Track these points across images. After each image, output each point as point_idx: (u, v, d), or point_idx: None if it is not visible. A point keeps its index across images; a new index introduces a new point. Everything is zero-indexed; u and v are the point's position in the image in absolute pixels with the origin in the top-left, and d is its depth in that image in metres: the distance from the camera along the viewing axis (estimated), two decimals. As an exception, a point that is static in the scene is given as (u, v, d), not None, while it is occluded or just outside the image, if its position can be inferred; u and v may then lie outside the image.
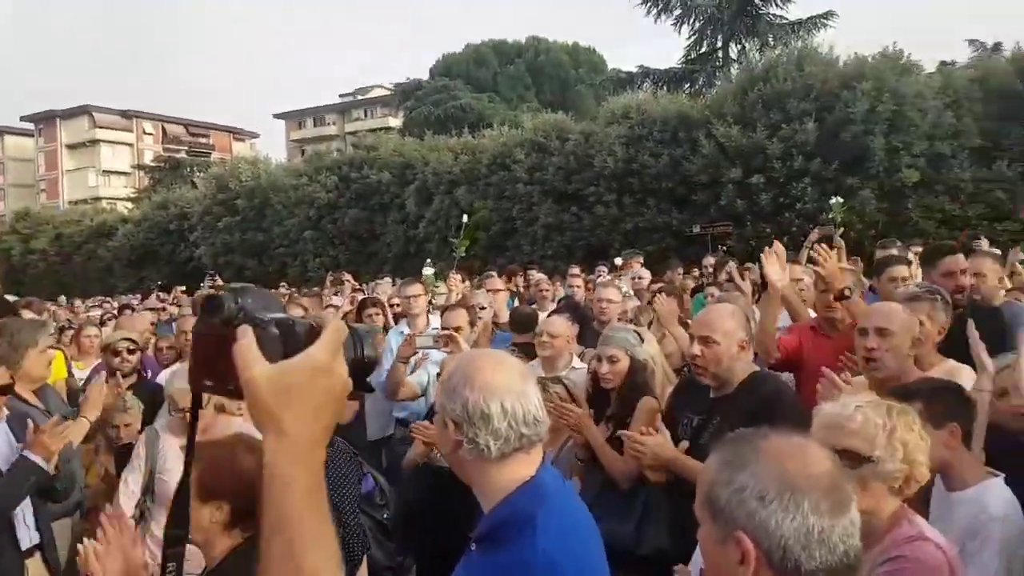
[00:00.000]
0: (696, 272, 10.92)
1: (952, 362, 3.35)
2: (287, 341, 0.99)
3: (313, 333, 0.99)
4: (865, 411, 2.01)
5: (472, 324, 5.45)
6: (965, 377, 3.06)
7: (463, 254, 11.72)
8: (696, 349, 3.27)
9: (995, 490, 2.39)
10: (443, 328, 5.08)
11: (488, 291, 7.11)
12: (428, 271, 9.07)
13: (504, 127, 27.53)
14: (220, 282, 10.97)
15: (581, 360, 4.86)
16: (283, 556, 0.91)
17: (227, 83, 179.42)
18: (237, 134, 79.11)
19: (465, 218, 13.42)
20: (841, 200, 12.43)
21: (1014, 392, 2.81)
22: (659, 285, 7.52)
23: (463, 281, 8.77)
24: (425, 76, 49.06)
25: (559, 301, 7.98)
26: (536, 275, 10.75)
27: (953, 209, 18.06)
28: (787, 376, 4.14)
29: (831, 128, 18.74)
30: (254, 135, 79.00)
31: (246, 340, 0.96)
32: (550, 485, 1.77)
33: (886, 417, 1.99)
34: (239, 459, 2.19)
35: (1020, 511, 2.37)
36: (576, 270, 11.05)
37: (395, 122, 54.84)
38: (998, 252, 7.20)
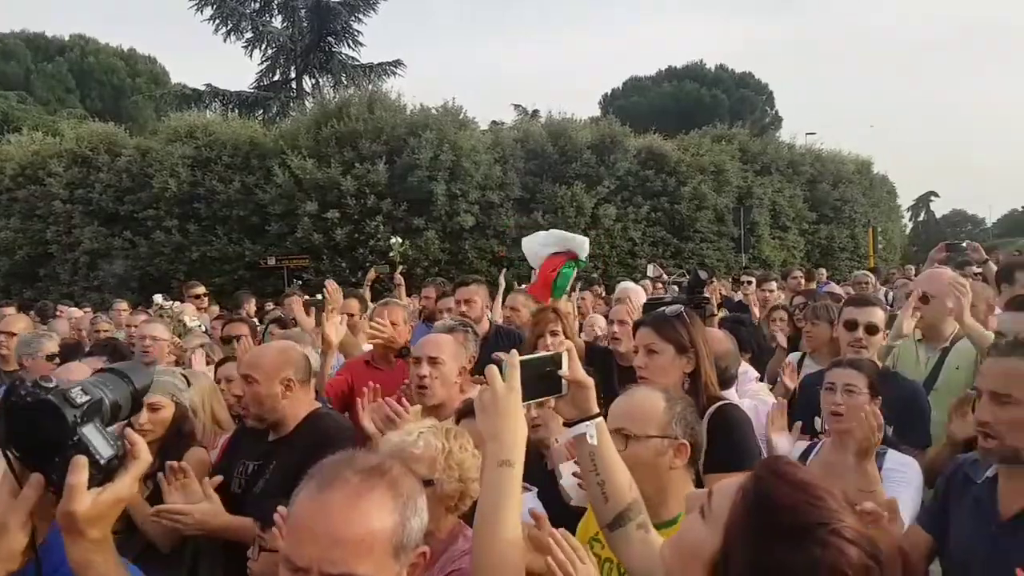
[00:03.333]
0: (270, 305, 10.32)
1: None
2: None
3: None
4: (427, 436, 2.12)
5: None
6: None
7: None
8: (238, 389, 3.16)
9: None
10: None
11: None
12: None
13: (38, 133, 23.25)
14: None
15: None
16: None
17: None
18: None
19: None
20: (401, 240, 13.03)
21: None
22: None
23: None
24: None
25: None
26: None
27: (502, 250, 20.41)
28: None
29: (400, 171, 19.75)
30: None
31: (78, 480, 1.20)
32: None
33: (444, 440, 2.12)
34: None
35: None
36: (123, 305, 9.65)
37: None
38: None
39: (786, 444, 3.12)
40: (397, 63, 31.47)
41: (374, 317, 4.74)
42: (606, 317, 7.21)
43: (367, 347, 4.72)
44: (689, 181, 23.48)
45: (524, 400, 1.61)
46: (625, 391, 2.22)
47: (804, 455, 3.00)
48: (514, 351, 1.67)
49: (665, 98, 44.70)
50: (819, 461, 2.88)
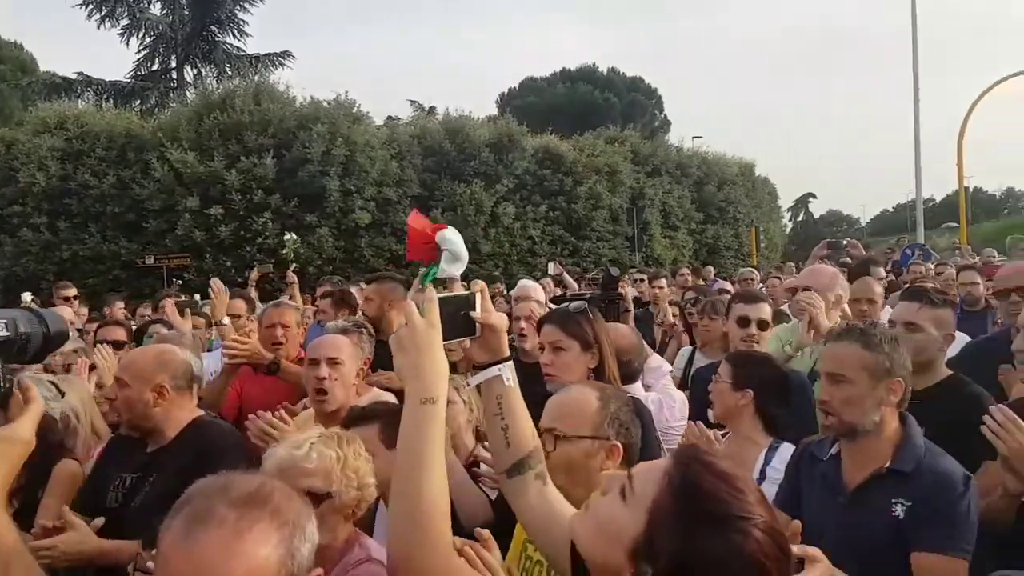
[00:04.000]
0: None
1: None
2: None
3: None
4: (318, 447, 2.01)
5: None
6: None
7: None
8: (110, 393, 3.04)
9: None
10: None
11: None
12: None
13: None
14: None
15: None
16: None
17: None
18: None
19: None
20: (295, 236, 12.55)
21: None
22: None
23: None
24: None
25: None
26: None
27: (400, 249, 20.09)
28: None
29: (289, 165, 19.15)
30: None
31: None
32: None
33: (337, 449, 2.02)
34: None
35: None
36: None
37: None
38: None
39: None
40: (286, 54, 30.60)
41: (263, 320, 4.48)
42: (509, 315, 7.24)
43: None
44: (585, 181, 23.98)
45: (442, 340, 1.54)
46: (562, 389, 2.18)
47: None
48: (431, 287, 1.61)
49: (560, 99, 45.32)
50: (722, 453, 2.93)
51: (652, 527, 1.15)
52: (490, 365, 1.69)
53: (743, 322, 3.81)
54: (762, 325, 3.77)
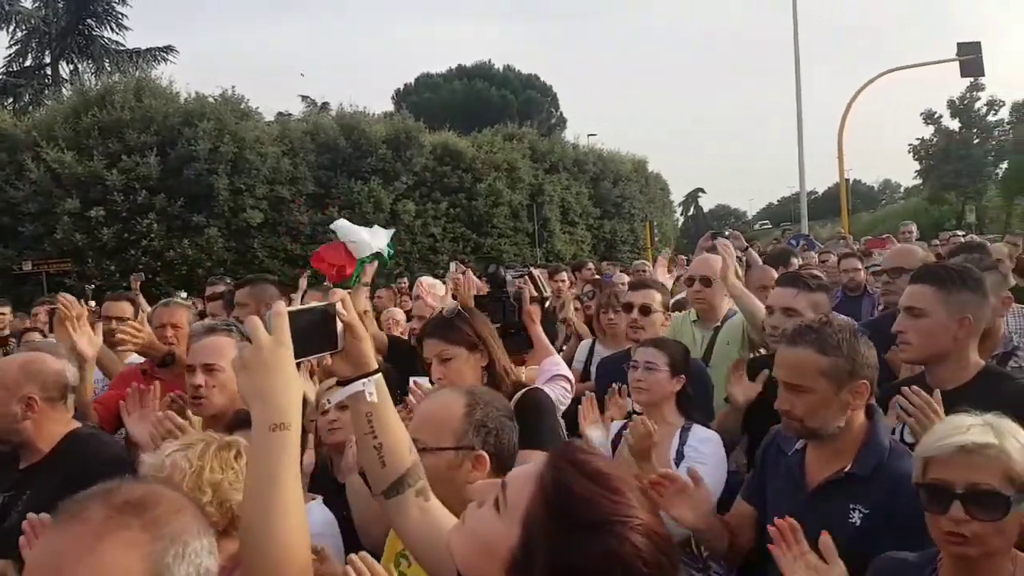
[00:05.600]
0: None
1: None
2: None
3: None
4: (174, 456, 1.94)
5: None
6: None
7: None
8: None
9: None
10: None
11: None
12: None
13: None
14: None
15: None
16: None
17: None
18: None
19: None
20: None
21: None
22: None
23: None
24: None
25: None
26: None
27: (295, 249, 19.53)
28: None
29: (174, 164, 18.31)
30: None
31: None
32: None
33: (198, 460, 1.93)
34: None
35: None
36: None
37: None
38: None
39: (599, 435, 3.18)
40: (168, 48, 29.29)
41: (153, 320, 4.26)
42: (408, 313, 7.16)
43: (138, 358, 4.21)
44: (484, 178, 24.01)
45: (297, 358, 1.40)
46: (430, 395, 2.09)
47: (618, 434, 3.11)
48: (280, 302, 1.46)
49: (457, 96, 45.22)
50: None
51: (527, 538, 1.09)
52: (354, 380, 1.59)
53: (628, 308, 3.91)
54: (644, 310, 3.83)
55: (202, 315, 6.97)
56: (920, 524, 1.76)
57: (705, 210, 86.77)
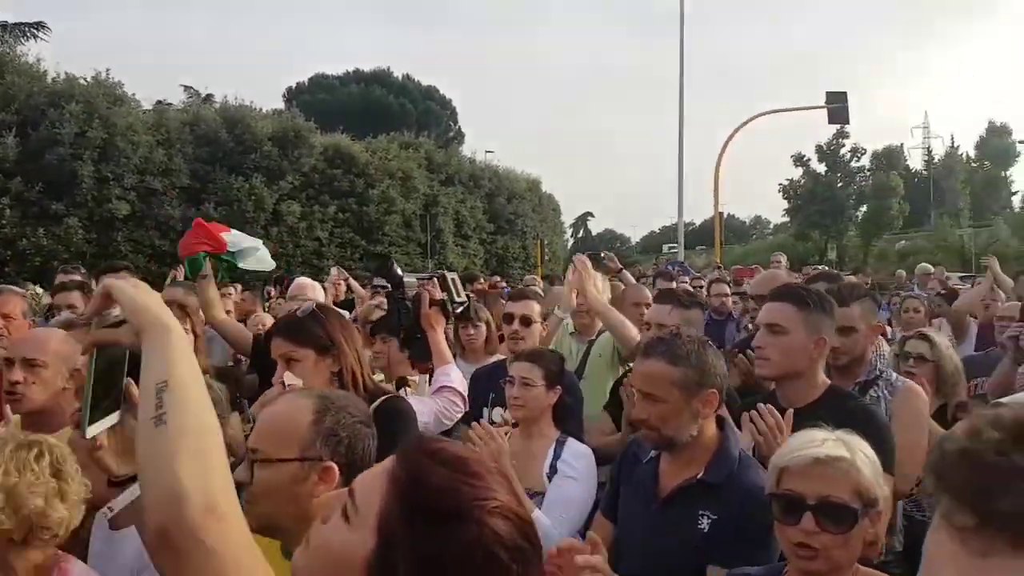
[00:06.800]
0: None
1: None
2: None
3: None
4: None
5: None
6: None
7: None
8: None
9: None
10: None
11: None
12: None
13: None
14: None
15: None
16: None
17: None
18: None
19: None
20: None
21: None
22: None
23: None
24: None
25: None
26: None
27: (163, 245, 18.38)
28: None
29: (35, 146, 16.94)
30: None
31: None
32: None
33: None
34: None
35: None
36: None
37: None
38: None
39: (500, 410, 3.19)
40: (40, 25, 27.01)
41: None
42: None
43: None
44: (378, 184, 23.60)
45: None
46: (275, 400, 1.83)
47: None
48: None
49: (354, 99, 44.41)
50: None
51: (383, 541, 1.01)
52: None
53: (508, 319, 3.91)
54: (524, 321, 3.85)
55: (49, 308, 6.31)
56: (767, 536, 1.84)
57: (593, 233, 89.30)
